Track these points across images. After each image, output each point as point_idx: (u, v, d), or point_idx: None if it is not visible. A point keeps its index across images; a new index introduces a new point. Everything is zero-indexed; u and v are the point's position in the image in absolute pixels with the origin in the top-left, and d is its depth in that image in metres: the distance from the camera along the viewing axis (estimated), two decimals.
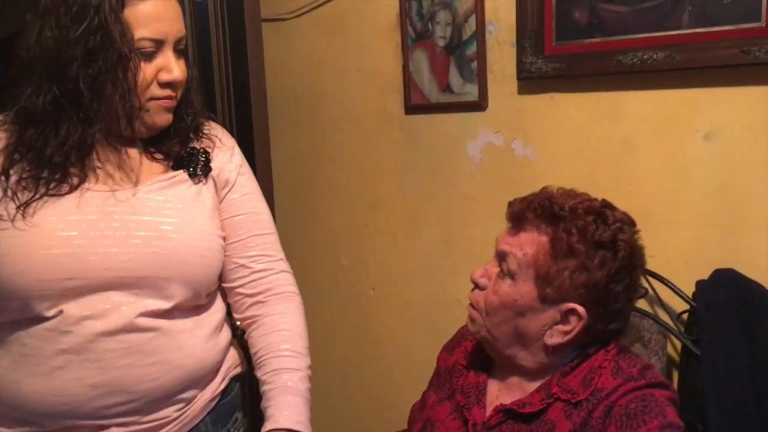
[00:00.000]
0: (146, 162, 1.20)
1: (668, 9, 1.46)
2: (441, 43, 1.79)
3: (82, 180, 1.12)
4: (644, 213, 1.55)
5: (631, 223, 1.20)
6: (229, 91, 1.83)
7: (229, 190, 1.26)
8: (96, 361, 1.10)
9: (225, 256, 1.25)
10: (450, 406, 1.28)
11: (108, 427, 1.13)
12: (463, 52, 1.76)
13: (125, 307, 1.11)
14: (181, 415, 1.20)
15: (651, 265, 1.53)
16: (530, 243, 1.16)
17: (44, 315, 1.08)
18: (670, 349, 1.55)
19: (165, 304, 1.14)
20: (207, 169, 1.23)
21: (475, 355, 1.30)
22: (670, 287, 1.51)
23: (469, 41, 1.74)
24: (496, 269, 1.20)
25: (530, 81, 1.67)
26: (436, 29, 1.79)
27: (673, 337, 1.53)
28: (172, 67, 1.13)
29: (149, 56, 1.11)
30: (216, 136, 1.28)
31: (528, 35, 1.62)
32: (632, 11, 1.49)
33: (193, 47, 1.88)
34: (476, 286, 1.23)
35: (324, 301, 2.17)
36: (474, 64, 1.74)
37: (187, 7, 1.84)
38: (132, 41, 1.08)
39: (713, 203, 1.50)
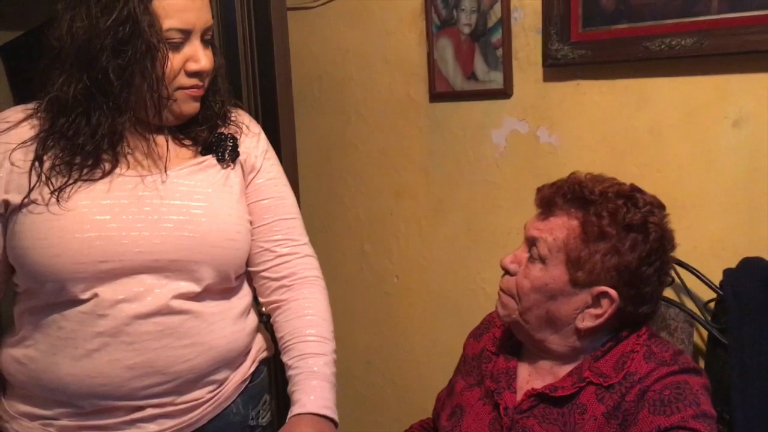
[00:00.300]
0: (175, 148, 1.22)
1: None
2: (466, 30, 1.78)
3: (114, 166, 1.14)
4: (671, 201, 1.53)
5: (661, 206, 1.20)
6: (254, 79, 1.85)
7: (255, 175, 1.28)
8: (131, 343, 1.13)
9: (251, 240, 1.26)
10: (479, 391, 1.28)
11: (144, 408, 1.16)
12: (489, 40, 1.75)
13: (158, 290, 1.14)
14: (213, 396, 1.22)
15: (677, 253, 1.51)
16: (560, 227, 1.17)
17: (80, 298, 1.11)
18: (696, 338, 1.54)
19: (196, 287, 1.17)
20: (235, 154, 1.25)
21: (504, 341, 1.31)
22: (697, 275, 1.50)
23: (494, 28, 1.73)
24: (526, 254, 1.21)
25: (556, 68, 1.65)
26: (461, 16, 1.78)
27: (699, 326, 1.52)
28: (199, 56, 1.15)
29: (177, 46, 1.13)
30: (243, 123, 1.30)
31: (554, 22, 1.61)
32: None
33: (220, 36, 1.89)
34: (506, 272, 1.24)
35: (348, 288, 2.18)
36: (499, 52, 1.73)
37: None
38: (160, 32, 1.09)
39: (741, 191, 1.48)
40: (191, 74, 1.15)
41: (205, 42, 1.17)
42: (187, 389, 1.19)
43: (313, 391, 1.19)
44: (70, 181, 1.11)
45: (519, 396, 1.22)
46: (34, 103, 1.17)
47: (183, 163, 1.21)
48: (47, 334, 1.14)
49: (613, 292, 1.14)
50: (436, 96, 1.88)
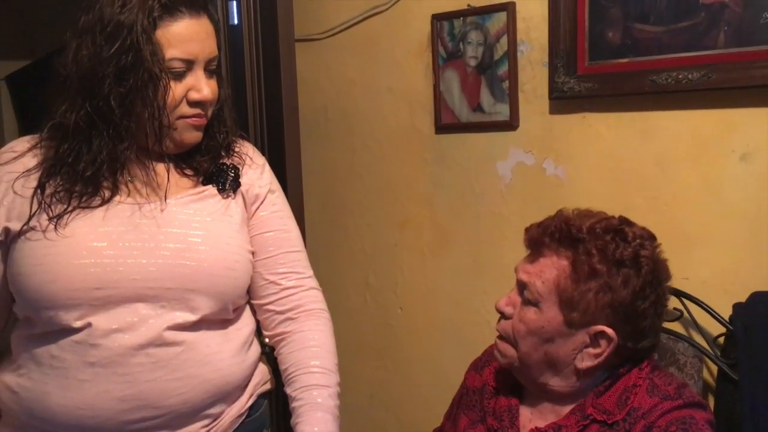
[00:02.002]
0: (175, 176, 1.21)
1: (703, 29, 1.45)
2: (472, 62, 1.80)
3: (113, 193, 1.14)
4: (679, 234, 1.54)
5: (651, 237, 1.18)
6: (261, 109, 1.85)
7: (258, 207, 1.27)
8: (123, 374, 1.10)
9: (254, 272, 1.25)
10: (482, 429, 1.26)
11: None
12: (495, 72, 1.76)
13: (153, 320, 1.12)
14: (208, 431, 1.19)
15: (686, 287, 1.52)
16: (550, 268, 1.15)
17: (73, 326, 1.09)
18: (705, 374, 1.51)
19: (191, 317, 1.15)
20: (236, 185, 1.24)
21: (506, 376, 1.28)
22: (705, 310, 1.49)
23: (500, 61, 1.75)
24: (519, 297, 1.19)
25: (562, 100, 1.66)
26: (468, 49, 1.80)
27: (708, 361, 1.50)
28: (201, 86, 1.15)
29: (179, 75, 1.13)
30: (246, 154, 1.29)
31: (560, 55, 1.62)
32: (667, 31, 1.49)
33: (227, 66, 1.90)
34: (502, 315, 1.22)
35: (352, 320, 2.17)
36: (505, 84, 1.74)
37: (221, 28, 1.87)
38: (162, 61, 1.10)
39: (750, 224, 1.47)
40: (193, 104, 1.15)
41: (210, 72, 1.17)
42: (180, 424, 1.16)
43: (317, 423, 1.17)
44: (69, 208, 1.11)
45: None
46: (40, 133, 1.17)
47: (183, 192, 1.20)
48: (40, 363, 1.12)
49: (610, 330, 1.12)
50: (442, 127, 1.89)
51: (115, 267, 1.10)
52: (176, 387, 1.13)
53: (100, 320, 1.09)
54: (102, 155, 1.11)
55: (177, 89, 1.13)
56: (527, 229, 1.22)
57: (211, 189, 1.22)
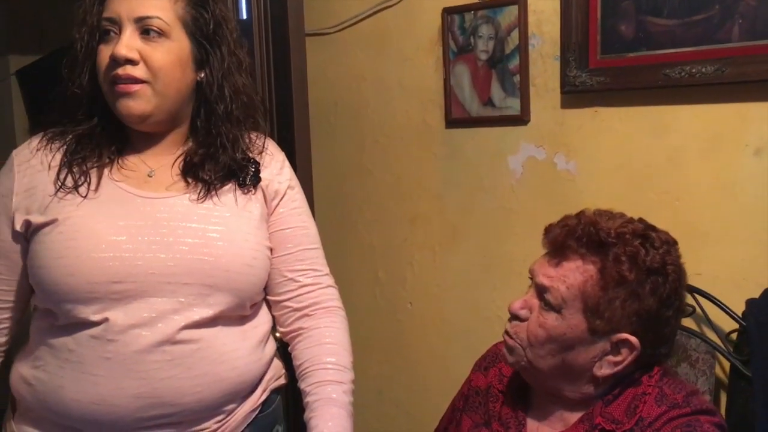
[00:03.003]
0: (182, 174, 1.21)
1: (718, 22, 1.43)
2: (483, 56, 1.79)
3: (127, 186, 1.15)
4: (691, 230, 1.53)
5: (675, 242, 1.15)
6: (271, 104, 1.85)
7: (278, 203, 1.26)
8: (139, 371, 1.10)
9: (272, 268, 1.25)
10: None
11: None
12: (506, 66, 1.75)
13: (170, 316, 1.11)
14: (220, 426, 1.19)
15: (699, 282, 1.50)
16: (575, 273, 1.10)
17: (91, 320, 1.10)
18: (717, 370, 1.50)
19: (209, 312, 1.14)
20: (256, 180, 1.23)
21: (512, 379, 1.24)
22: (718, 305, 1.48)
23: (511, 55, 1.74)
24: (537, 300, 1.14)
25: (574, 95, 1.65)
26: (479, 43, 1.79)
27: (721, 357, 1.49)
28: (117, 44, 1.11)
29: (110, 37, 1.13)
30: (266, 148, 1.28)
31: (572, 48, 1.61)
32: (680, 24, 1.47)
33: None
34: (516, 317, 1.17)
35: (361, 315, 2.16)
36: (516, 78, 1.73)
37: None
38: (95, 25, 1.13)
39: (763, 220, 1.46)
40: (112, 63, 1.12)
41: (145, 31, 1.12)
42: (194, 421, 1.16)
43: (331, 418, 1.17)
44: (88, 194, 1.12)
45: None
46: (58, 127, 1.19)
47: (201, 187, 1.19)
48: (57, 357, 1.12)
49: (634, 339, 1.08)
50: (452, 122, 1.88)
51: (134, 261, 1.10)
52: (192, 385, 1.13)
53: (118, 315, 1.09)
54: (96, 132, 1.14)
55: (104, 51, 1.12)
56: (548, 229, 1.16)
57: (231, 184, 1.21)
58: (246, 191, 1.22)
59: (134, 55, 1.11)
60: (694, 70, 1.46)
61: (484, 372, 1.32)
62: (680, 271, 1.12)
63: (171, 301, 1.12)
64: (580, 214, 1.16)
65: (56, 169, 1.14)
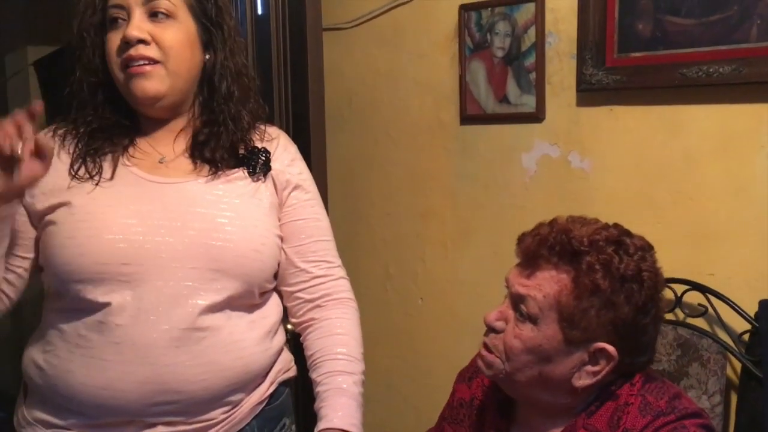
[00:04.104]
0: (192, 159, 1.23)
1: (736, 22, 1.43)
2: (499, 53, 1.79)
3: (136, 170, 1.17)
4: (705, 230, 1.53)
5: (650, 248, 1.11)
6: (287, 98, 1.85)
7: (290, 193, 1.27)
8: (147, 357, 1.11)
9: (285, 259, 1.26)
10: None
11: (155, 425, 1.14)
12: (522, 63, 1.75)
13: (178, 300, 1.12)
14: (227, 417, 1.19)
15: (711, 283, 1.51)
16: (549, 283, 1.07)
17: (99, 301, 1.11)
18: (729, 371, 1.50)
19: (216, 298, 1.15)
20: (266, 168, 1.24)
21: (495, 391, 1.22)
22: (731, 306, 1.47)
23: (528, 52, 1.74)
24: (512, 311, 1.11)
25: (590, 93, 1.65)
26: (495, 40, 1.79)
27: (733, 358, 1.49)
28: (128, 26, 1.13)
29: (118, 23, 1.15)
30: (278, 139, 1.29)
31: (589, 47, 1.61)
32: (698, 24, 1.47)
33: (254, 56, 1.90)
34: (491, 329, 1.14)
35: (371, 309, 2.16)
36: (532, 76, 1.73)
37: (248, 17, 1.87)
38: (103, 11, 1.15)
39: None
40: (124, 46, 1.14)
41: (154, 14, 1.15)
42: (199, 410, 1.16)
43: (341, 408, 1.17)
44: (100, 181, 1.14)
45: None
46: (69, 120, 1.21)
47: (211, 173, 1.20)
48: (67, 341, 1.13)
49: (611, 348, 1.05)
50: (466, 119, 1.88)
51: (143, 244, 1.11)
52: (198, 373, 1.13)
53: (126, 299, 1.10)
54: (107, 120, 1.15)
55: (113, 37, 1.14)
56: (520, 239, 1.14)
57: (240, 172, 1.22)
58: (256, 179, 1.22)
59: (146, 36, 1.13)
60: (711, 70, 1.46)
61: (468, 383, 1.29)
62: (656, 278, 1.09)
63: (179, 286, 1.12)
64: (553, 222, 1.12)
65: (69, 160, 1.16)
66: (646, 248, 1.10)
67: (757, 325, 1.43)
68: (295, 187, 1.27)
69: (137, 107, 1.19)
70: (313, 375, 1.23)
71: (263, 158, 1.24)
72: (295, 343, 1.35)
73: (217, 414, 1.18)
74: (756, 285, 1.48)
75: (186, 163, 1.20)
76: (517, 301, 1.10)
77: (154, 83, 1.15)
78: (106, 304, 1.10)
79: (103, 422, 1.13)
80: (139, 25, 1.13)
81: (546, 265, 1.07)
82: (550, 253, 1.07)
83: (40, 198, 1.15)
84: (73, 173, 1.15)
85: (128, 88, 1.15)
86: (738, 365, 1.49)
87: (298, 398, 1.40)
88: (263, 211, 1.22)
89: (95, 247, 1.10)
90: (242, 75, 1.25)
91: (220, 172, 1.20)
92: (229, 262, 1.15)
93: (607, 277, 1.05)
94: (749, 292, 1.48)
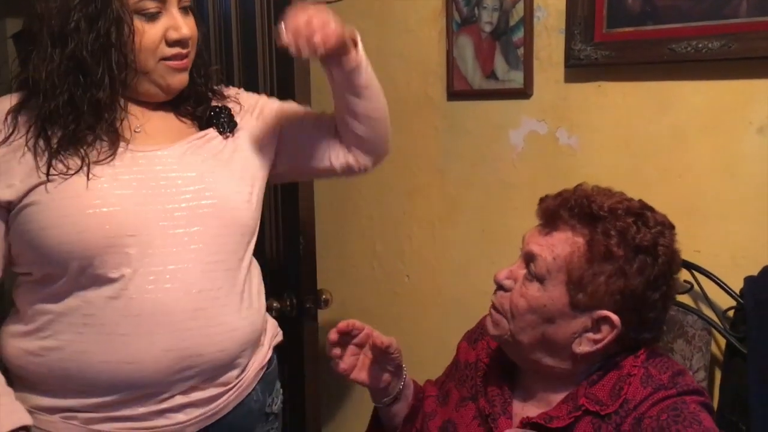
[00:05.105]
0: (178, 123, 1.25)
1: None
2: (487, 28, 1.77)
3: (116, 142, 1.15)
4: (692, 207, 1.53)
5: (671, 226, 1.12)
6: (272, 74, 1.83)
7: (261, 111, 1.34)
8: (166, 324, 1.11)
9: (299, 138, 1.35)
10: (473, 408, 1.23)
11: (173, 396, 1.15)
12: (510, 39, 1.73)
13: (187, 264, 1.14)
14: (237, 383, 1.23)
15: (697, 259, 1.51)
16: (563, 244, 1.09)
17: (109, 276, 1.10)
18: (713, 347, 1.51)
19: (221, 255, 1.18)
20: (233, 124, 1.28)
21: (500, 354, 1.23)
22: (716, 282, 1.48)
23: (516, 27, 1.72)
24: (523, 270, 1.13)
25: (578, 69, 1.63)
26: (483, 14, 1.77)
27: (717, 334, 1.49)
28: (179, 24, 1.16)
29: (153, 17, 1.14)
30: (237, 96, 1.35)
31: (578, 22, 1.59)
32: None
33: (237, 29, 1.88)
34: (500, 287, 1.16)
35: (358, 287, 2.16)
36: (520, 51, 1.71)
37: None
38: (129, 3, 1.11)
39: (764, 198, 1.46)
40: (172, 43, 1.16)
41: (184, 9, 1.19)
42: (216, 374, 1.19)
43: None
44: (82, 160, 1.12)
45: (514, 422, 1.15)
46: (9, 96, 1.16)
47: (188, 137, 1.23)
48: (70, 323, 1.11)
49: (615, 317, 1.06)
50: (454, 95, 1.87)
51: (144, 213, 1.12)
52: (213, 335, 1.16)
53: (138, 270, 1.10)
54: (84, 105, 1.12)
55: (153, 31, 1.14)
56: (542, 200, 1.15)
57: (211, 132, 1.26)
58: (226, 137, 1.27)
59: (194, 35, 1.20)
60: (700, 45, 1.44)
61: (473, 345, 1.32)
62: (673, 255, 1.10)
63: (186, 249, 1.14)
64: (577, 187, 1.15)
65: (33, 132, 1.12)
66: (667, 225, 1.12)
67: (742, 301, 1.43)
68: (263, 105, 1.35)
69: (153, 96, 1.20)
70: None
71: (225, 115, 1.28)
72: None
73: (231, 378, 1.21)
74: (742, 262, 1.48)
75: (164, 127, 1.22)
76: (528, 259, 1.12)
77: (186, 76, 1.21)
78: (118, 278, 1.10)
79: (119, 399, 1.13)
80: (188, 24, 1.18)
81: (563, 226, 1.10)
82: (569, 214, 1.09)
83: (11, 184, 1.10)
84: (62, 158, 1.11)
85: (164, 79, 1.18)
86: (723, 342, 1.50)
87: (283, 364, 1.44)
88: (244, 164, 1.27)
89: (95, 222, 1.08)
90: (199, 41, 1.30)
91: (196, 135, 1.24)
92: (227, 218, 1.19)
93: (621, 244, 1.06)
94: (735, 268, 1.48)
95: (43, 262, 1.12)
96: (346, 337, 1.24)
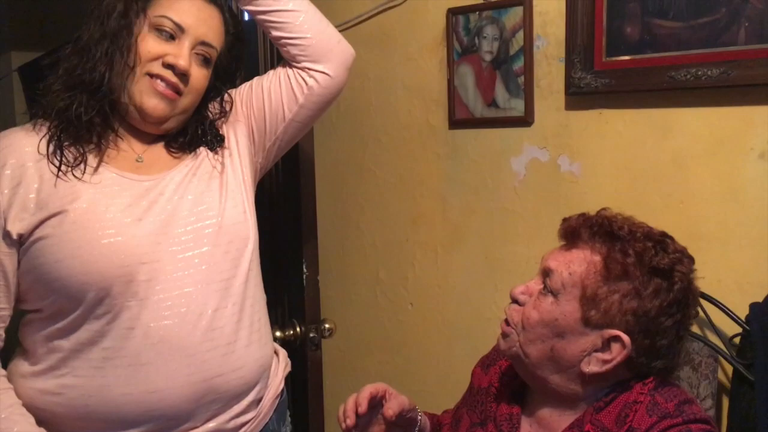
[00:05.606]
0: (171, 153, 1.28)
1: (724, 25, 1.43)
2: (488, 57, 1.78)
3: (125, 171, 1.18)
4: (695, 233, 1.52)
5: (691, 258, 1.13)
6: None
7: (241, 102, 1.37)
8: (187, 349, 1.12)
9: (282, 93, 1.36)
10: None
11: (195, 427, 1.16)
12: (510, 67, 1.74)
13: (201, 286, 1.15)
14: (256, 413, 1.24)
15: (702, 286, 1.47)
16: (580, 261, 1.10)
17: (127, 305, 1.10)
18: (720, 374, 1.50)
19: (232, 272, 1.20)
20: (220, 138, 1.31)
21: (510, 378, 1.24)
22: (722, 309, 1.47)
23: (516, 56, 1.73)
24: (539, 286, 1.14)
25: (578, 96, 1.64)
26: (483, 44, 1.78)
27: (724, 361, 1.48)
28: (181, 54, 1.18)
29: (164, 36, 1.17)
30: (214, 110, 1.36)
31: (577, 50, 1.61)
32: (686, 27, 1.47)
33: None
34: (515, 301, 1.17)
35: (361, 315, 2.16)
36: (521, 79, 1.73)
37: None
38: (146, 11, 1.16)
39: (767, 223, 1.46)
40: (165, 66, 1.17)
41: (201, 57, 1.22)
42: (235, 402, 1.20)
43: None
44: (86, 184, 1.14)
45: None
46: (35, 120, 1.20)
47: (184, 161, 1.26)
48: (88, 358, 1.11)
49: (626, 337, 1.06)
50: (455, 123, 1.88)
51: (154, 240, 1.13)
52: (232, 361, 1.18)
53: (153, 297, 1.11)
54: (89, 113, 1.15)
55: (155, 45, 1.17)
56: (565, 219, 1.17)
57: (202, 151, 1.29)
58: (216, 153, 1.29)
59: (189, 71, 1.20)
60: (699, 73, 1.45)
61: (485, 370, 1.32)
62: (689, 285, 1.10)
63: (197, 271, 1.15)
64: (600, 211, 1.17)
65: (45, 158, 1.15)
66: (686, 255, 1.12)
67: (748, 328, 1.42)
68: (235, 105, 1.37)
69: (135, 120, 1.22)
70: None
71: (211, 134, 1.31)
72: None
73: (250, 407, 1.23)
74: (747, 288, 1.48)
75: (161, 156, 1.25)
76: (544, 274, 1.13)
77: (166, 109, 1.20)
78: (134, 307, 1.10)
79: (144, 431, 1.12)
80: (189, 58, 1.19)
81: (583, 245, 1.11)
82: (589, 233, 1.11)
83: (23, 216, 1.11)
84: (56, 168, 1.14)
85: (141, 97, 1.17)
86: (729, 369, 1.49)
87: (289, 392, 1.48)
88: (239, 180, 1.29)
89: (108, 252, 1.09)
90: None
91: (191, 157, 1.27)
92: (231, 233, 1.22)
93: (638, 264, 1.07)
94: (740, 295, 1.47)
95: (57, 295, 1.11)
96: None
